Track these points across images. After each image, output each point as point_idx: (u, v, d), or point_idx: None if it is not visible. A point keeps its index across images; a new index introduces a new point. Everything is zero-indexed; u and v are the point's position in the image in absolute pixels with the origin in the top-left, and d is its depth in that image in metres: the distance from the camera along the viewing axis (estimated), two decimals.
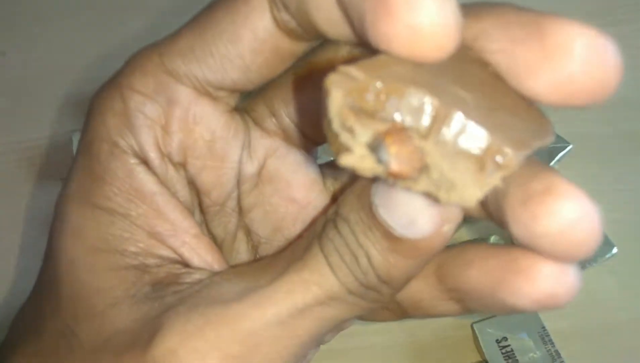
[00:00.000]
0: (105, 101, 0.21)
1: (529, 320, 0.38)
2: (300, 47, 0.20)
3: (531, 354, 0.37)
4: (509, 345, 0.38)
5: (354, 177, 0.19)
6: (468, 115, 0.13)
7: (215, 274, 0.20)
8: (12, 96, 0.53)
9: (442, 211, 0.16)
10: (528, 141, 0.14)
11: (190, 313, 0.18)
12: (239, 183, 0.23)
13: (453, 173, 0.14)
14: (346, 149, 0.14)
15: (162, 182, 0.21)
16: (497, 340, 0.38)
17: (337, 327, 0.19)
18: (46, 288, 0.21)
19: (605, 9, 0.53)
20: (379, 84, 0.13)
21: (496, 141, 0.13)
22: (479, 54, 0.15)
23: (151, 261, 0.20)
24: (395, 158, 0.14)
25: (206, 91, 0.21)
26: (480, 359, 0.38)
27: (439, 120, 0.13)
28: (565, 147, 0.44)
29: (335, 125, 0.14)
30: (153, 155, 0.21)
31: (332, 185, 0.23)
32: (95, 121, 0.21)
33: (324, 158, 0.25)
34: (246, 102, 0.23)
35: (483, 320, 0.39)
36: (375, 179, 0.16)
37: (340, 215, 0.18)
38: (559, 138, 0.45)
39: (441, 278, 0.19)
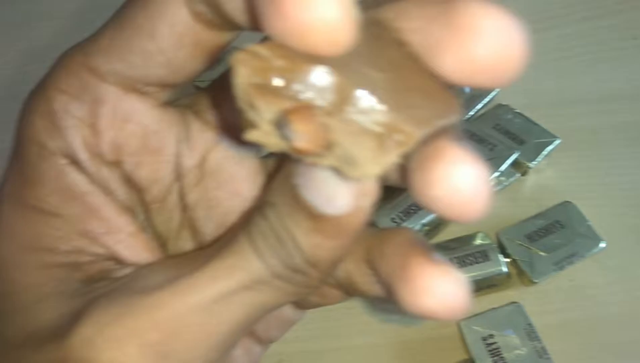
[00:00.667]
0: (32, 103, 0.20)
1: (516, 316, 0.38)
2: (224, 38, 0.19)
3: (517, 351, 0.37)
4: (495, 343, 0.37)
5: (279, 165, 0.19)
6: (372, 93, 0.14)
7: (142, 267, 0.20)
8: (6, 101, 0.54)
9: (358, 185, 0.16)
10: (430, 120, 0.14)
11: (109, 303, 0.18)
12: (180, 177, 0.22)
13: (355, 150, 0.14)
14: (252, 125, 0.14)
15: (95, 181, 0.21)
16: (483, 338, 0.37)
17: (267, 312, 0.19)
18: None
19: (594, 1, 0.53)
20: (282, 62, 0.14)
21: (396, 119, 0.14)
22: (396, 34, 0.15)
23: (84, 258, 0.20)
24: (299, 135, 0.14)
25: (133, 87, 0.20)
26: (467, 357, 0.38)
27: (342, 98, 0.14)
28: (554, 141, 0.44)
29: (242, 103, 0.14)
30: (83, 155, 0.20)
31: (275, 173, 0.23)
32: (24, 123, 0.20)
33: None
34: (190, 98, 0.23)
35: (469, 317, 0.38)
36: (296, 162, 0.16)
37: (266, 201, 0.18)
38: (547, 133, 0.44)
39: (369, 265, 0.19)
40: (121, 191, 0.21)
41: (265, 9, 0.14)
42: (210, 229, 0.23)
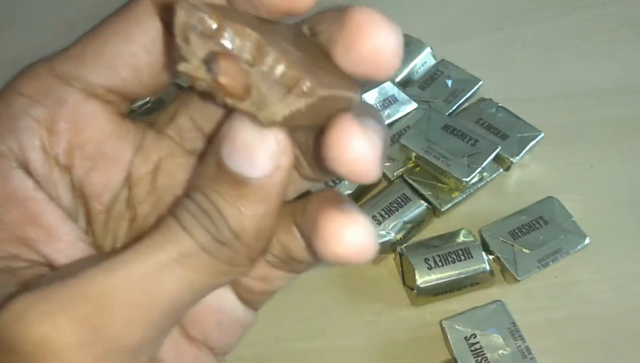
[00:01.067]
0: None
1: (499, 315, 0.37)
2: None
3: (501, 351, 0.36)
4: (478, 342, 0.36)
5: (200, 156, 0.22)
6: (286, 58, 0.17)
7: (74, 261, 0.20)
8: None
9: (275, 143, 0.18)
10: (332, 87, 0.17)
11: (39, 284, 0.18)
12: (131, 185, 0.22)
13: (268, 95, 0.17)
14: (184, 59, 0.17)
15: (42, 186, 0.21)
16: (465, 338, 0.37)
17: (201, 294, 0.19)
18: None
19: None
20: (217, 18, 0.16)
21: (303, 75, 0.17)
22: (314, 37, 0.18)
23: (19, 264, 0.20)
24: (224, 71, 0.16)
25: (95, 93, 0.21)
26: (450, 357, 0.37)
27: (262, 55, 0.17)
28: (537, 135, 0.43)
29: (178, 39, 0.17)
30: (35, 157, 0.20)
31: None
32: None
33: None
34: (150, 118, 0.23)
35: (452, 317, 0.38)
36: (219, 139, 0.18)
37: (191, 186, 0.19)
38: (530, 127, 0.44)
39: (297, 228, 0.20)
40: (67, 197, 0.21)
41: None
42: None
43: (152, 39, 0.20)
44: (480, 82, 0.46)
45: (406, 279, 0.40)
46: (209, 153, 0.19)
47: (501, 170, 0.43)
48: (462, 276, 0.38)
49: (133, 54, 0.20)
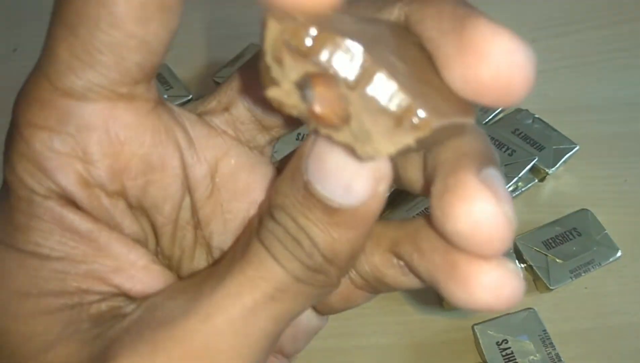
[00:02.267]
0: (9, 146, 0.18)
1: (530, 322, 0.38)
2: None
3: (531, 357, 0.37)
4: (509, 348, 0.37)
5: (281, 169, 0.19)
6: (394, 77, 0.14)
7: (155, 295, 0.19)
8: None
9: (374, 171, 0.16)
10: (447, 114, 0.15)
11: (136, 341, 0.17)
12: (190, 190, 0.20)
13: (371, 126, 0.14)
14: (274, 82, 0.15)
15: (98, 217, 0.19)
16: (497, 343, 0.38)
17: (292, 320, 0.18)
18: None
19: (615, 7, 0.53)
20: (316, 29, 0.14)
21: (415, 103, 0.14)
22: (417, 38, 0.16)
23: (90, 298, 0.19)
24: (319, 99, 0.14)
25: (119, 95, 0.18)
26: (480, 361, 0.38)
27: (366, 75, 0.14)
28: (573, 148, 0.44)
29: (268, 57, 0.14)
30: (79, 193, 0.18)
31: None
32: (5, 170, 0.18)
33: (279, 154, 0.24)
34: (197, 102, 0.21)
35: (484, 322, 0.39)
36: (303, 157, 0.16)
37: (274, 205, 0.17)
38: (566, 139, 0.44)
39: (397, 257, 0.19)
40: (128, 221, 0.20)
41: None
42: (227, 243, 0.22)
43: (141, 5, 0.16)
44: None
45: None
46: (293, 168, 0.17)
47: (536, 181, 0.44)
48: None
49: (130, 33, 0.17)
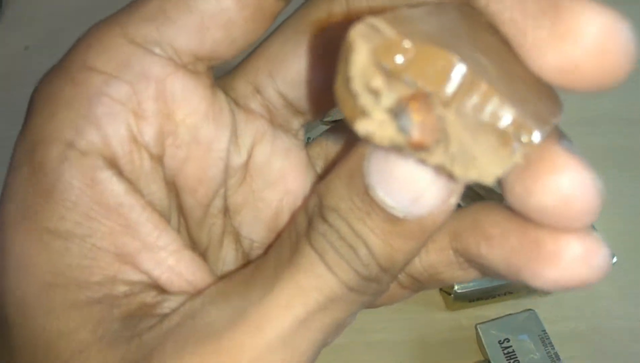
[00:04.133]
0: (52, 90, 0.17)
1: (531, 322, 0.40)
2: (279, 5, 0.18)
3: (531, 355, 0.39)
4: (510, 346, 0.39)
5: (331, 163, 0.18)
6: (494, 86, 0.12)
7: (194, 298, 0.17)
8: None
9: (449, 182, 0.14)
10: (547, 117, 0.13)
11: (180, 353, 0.16)
12: (226, 177, 0.19)
13: (473, 147, 0.13)
14: (363, 113, 0.13)
15: (134, 186, 0.17)
16: (499, 341, 0.40)
17: (341, 329, 0.17)
18: None
19: None
20: (409, 44, 0.12)
21: (521, 117, 0.13)
22: (489, 18, 0.14)
23: (119, 290, 0.17)
24: (419, 127, 0.12)
25: (184, 63, 0.17)
26: (483, 359, 0.40)
27: (464, 88, 0.12)
28: None
29: (357, 85, 0.12)
30: (124, 150, 0.17)
31: (324, 169, 0.21)
32: (39, 118, 0.17)
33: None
34: (222, 81, 0.20)
35: (487, 322, 0.40)
36: (366, 157, 0.15)
37: (327, 206, 0.16)
38: None
39: (459, 251, 0.17)
40: (161, 194, 0.18)
41: None
42: (258, 234, 0.20)
43: None
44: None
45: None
46: (351, 168, 0.15)
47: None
48: (497, 284, 0.41)
49: (225, 9, 0.17)
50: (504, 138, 0.13)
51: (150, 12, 0.17)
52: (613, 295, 0.42)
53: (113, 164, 0.17)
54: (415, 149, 0.13)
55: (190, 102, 0.18)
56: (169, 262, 0.18)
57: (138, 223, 0.17)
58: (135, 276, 0.17)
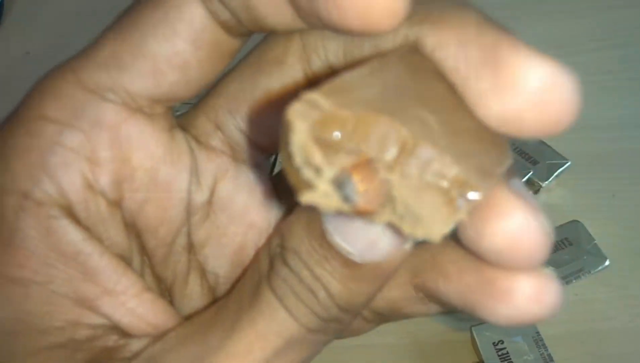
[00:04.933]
0: (7, 140, 0.17)
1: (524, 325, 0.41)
2: (236, 44, 0.18)
3: (525, 357, 0.39)
4: (504, 348, 0.40)
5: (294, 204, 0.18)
6: (435, 145, 0.13)
7: (155, 342, 0.17)
8: None
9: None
10: (492, 169, 0.14)
11: None
12: (189, 215, 0.19)
13: (419, 207, 0.13)
14: (308, 185, 0.13)
15: (91, 232, 0.18)
16: (494, 343, 0.40)
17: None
18: None
19: (604, 33, 0.56)
20: (346, 114, 0.12)
21: (463, 173, 0.13)
22: (436, 64, 0.15)
23: (81, 334, 0.17)
24: (363, 196, 0.13)
25: (139, 107, 0.17)
26: (478, 360, 0.40)
27: (406, 151, 0.13)
28: (565, 163, 0.47)
29: (298, 160, 0.13)
30: (80, 198, 0.17)
31: (289, 198, 0.21)
32: None
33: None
34: (182, 118, 0.20)
35: (481, 324, 0.41)
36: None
37: (288, 248, 0.16)
38: (558, 155, 0.47)
39: (419, 287, 0.18)
40: (120, 237, 0.18)
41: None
42: (223, 269, 0.21)
43: (198, 30, 0.17)
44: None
45: None
46: (310, 212, 0.16)
47: (530, 193, 0.46)
48: None
49: (179, 51, 0.17)
50: (448, 196, 0.13)
51: (103, 58, 0.17)
52: (606, 297, 0.42)
53: (69, 213, 0.17)
54: (362, 215, 0.13)
55: (146, 147, 0.18)
56: (130, 305, 0.18)
57: (97, 269, 0.17)
58: (97, 320, 0.18)
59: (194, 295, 0.20)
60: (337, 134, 0.12)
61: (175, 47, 0.17)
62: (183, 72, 0.17)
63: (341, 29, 0.14)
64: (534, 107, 0.13)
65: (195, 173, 0.19)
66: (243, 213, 0.20)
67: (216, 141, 0.19)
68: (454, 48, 0.14)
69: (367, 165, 0.13)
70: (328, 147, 0.13)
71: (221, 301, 0.18)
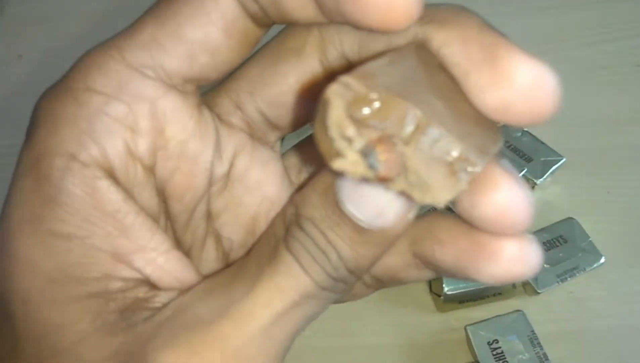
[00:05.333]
0: (55, 107, 0.19)
1: (519, 323, 0.40)
2: (260, 33, 0.20)
3: (520, 356, 0.39)
4: (499, 347, 0.40)
5: (310, 176, 0.21)
6: (443, 125, 0.15)
7: (184, 294, 0.19)
8: (28, 98, 0.55)
9: (409, 202, 0.17)
10: (488, 148, 0.17)
11: (172, 342, 0.18)
12: (209, 185, 0.22)
13: (428, 177, 0.16)
14: (338, 154, 0.16)
15: (129, 194, 0.19)
16: (488, 342, 0.40)
17: (311, 322, 0.19)
18: (0, 331, 0.19)
19: (598, 27, 0.55)
20: (375, 96, 0.15)
21: (465, 150, 0.15)
22: (439, 59, 0.17)
23: (115, 285, 0.19)
24: (384, 164, 0.15)
25: (173, 85, 0.19)
26: (473, 360, 0.40)
27: (419, 129, 0.15)
28: (559, 160, 0.47)
29: (333, 132, 0.15)
30: (121, 162, 0.19)
31: (297, 178, 0.23)
32: (44, 132, 0.19)
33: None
34: (206, 97, 0.22)
35: (476, 323, 0.41)
36: (338, 176, 0.17)
37: (304, 215, 0.18)
38: (553, 152, 0.47)
39: (417, 254, 0.20)
40: (152, 201, 0.20)
41: None
42: (237, 235, 0.23)
43: (230, 19, 0.19)
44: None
45: (433, 286, 0.43)
46: (325, 183, 0.18)
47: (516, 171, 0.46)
48: (487, 286, 0.42)
49: (212, 38, 0.19)
50: (452, 169, 0.16)
51: (144, 40, 0.19)
52: (601, 295, 0.42)
53: (110, 175, 0.19)
54: (382, 181, 0.16)
55: (179, 121, 0.20)
56: (159, 261, 0.20)
57: (132, 227, 0.19)
58: (129, 273, 0.19)
59: (210, 258, 0.22)
60: (366, 112, 0.15)
61: (209, 34, 0.19)
62: (214, 57, 0.19)
63: (362, 26, 0.17)
64: (523, 98, 0.16)
65: (218, 147, 0.21)
66: (257, 186, 0.22)
67: (236, 119, 0.21)
68: (457, 46, 0.17)
69: (388, 140, 0.15)
70: (357, 122, 0.15)
71: (240, 261, 0.20)
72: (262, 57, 0.21)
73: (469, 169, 0.15)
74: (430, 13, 0.17)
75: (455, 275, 0.19)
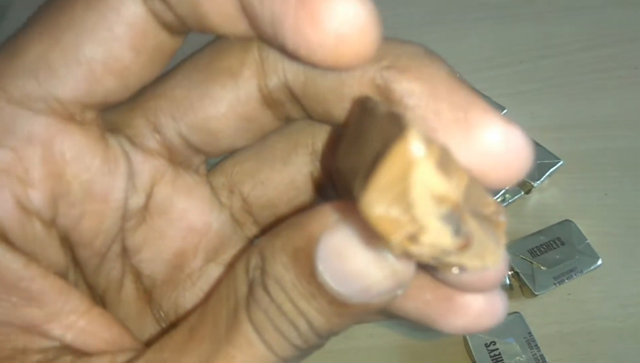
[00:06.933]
0: None
1: (517, 325, 0.40)
2: (177, 43, 0.17)
3: (517, 358, 0.39)
4: (497, 349, 0.40)
5: (272, 224, 0.18)
6: (484, 190, 0.15)
7: None
8: None
9: (399, 276, 0.15)
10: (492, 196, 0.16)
11: None
12: (124, 222, 0.19)
13: (486, 239, 0.14)
14: (416, 224, 0.13)
15: (29, 257, 0.17)
16: (486, 344, 0.40)
17: None
18: None
19: (594, 32, 0.56)
20: (464, 176, 0.14)
21: (498, 205, 0.15)
22: (400, 109, 0.15)
23: (32, 359, 0.17)
24: (466, 232, 0.13)
25: (70, 115, 0.16)
26: (470, 362, 0.40)
27: (482, 200, 0.15)
28: (556, 163, 0.47)
29: (419, 211, 0.13)
30: (14, 222, 0.16)
31: (229, 199, 0.20)
32: None
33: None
34: (114, 114, 0.18)
35: None
36: (317, 243, 0.15)
37: (271, 274, 0.15)
38: (550, 154, 0.47)
39: None
40: (58, 255, 0.17)
41: (291, 19, 0.13)
42: (160, 272, 0.20)
43: (139, 34, 0.15)
44: (505, 110, 0.50)
45: None
46: (297, 244, 0.15)
47: (522, 193, 0.46)
48: None
49: (117, 56, 0.15)
50: (496, 225, 0.15)
51: (30, 62, 0.15)
52: (598, 297, 0.42)
53: (4, 239, 0.16)
54: (461, 251, 0.14)
55: (81, 159, 0.17)
56: (80, 325, 0.17)
57: (41, 293, 0.17)
58: (47, 343, 0.17)
59: (129, 299, 0.20)
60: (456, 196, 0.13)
61: (114, 52, 0.15)
62: (120, 78, 0.16)
63: (306, 62, 0.14)
64: (496, 165, 0.15)
65: (131, 177, 0.18)
66: (181, 216, 0.19)
67: (153, 143, 0.18)
68: (424, 100, 0.15)
69: (464, 211, 0.13)
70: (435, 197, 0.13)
71: (193, 320, 0.17)
72: (188, 75, 0.18)
73: (502, 218, 0.15)
74: (390, 53, 0.16)
75: (416, 323, 0.18)
